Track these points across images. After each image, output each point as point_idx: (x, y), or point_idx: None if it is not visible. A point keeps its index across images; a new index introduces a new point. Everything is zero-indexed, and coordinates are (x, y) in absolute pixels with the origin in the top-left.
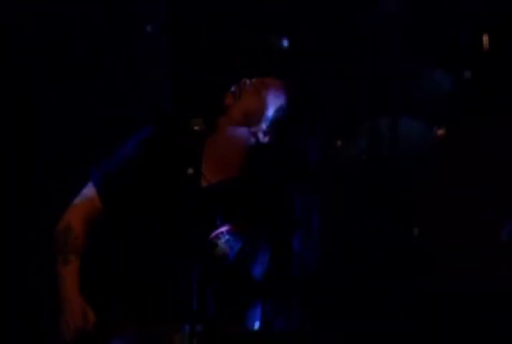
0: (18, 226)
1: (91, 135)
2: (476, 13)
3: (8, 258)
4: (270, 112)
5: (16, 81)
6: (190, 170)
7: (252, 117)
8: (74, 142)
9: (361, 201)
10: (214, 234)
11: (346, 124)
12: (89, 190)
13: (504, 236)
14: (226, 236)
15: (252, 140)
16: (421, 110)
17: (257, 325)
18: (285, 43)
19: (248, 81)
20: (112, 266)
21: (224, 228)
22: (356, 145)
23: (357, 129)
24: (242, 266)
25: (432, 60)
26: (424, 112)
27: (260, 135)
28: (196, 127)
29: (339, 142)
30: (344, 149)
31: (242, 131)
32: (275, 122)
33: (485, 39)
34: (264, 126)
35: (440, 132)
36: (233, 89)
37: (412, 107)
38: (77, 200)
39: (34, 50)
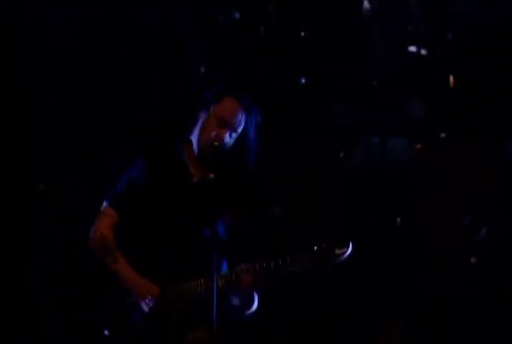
0: (18, 226)
1: (91, 135)
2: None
3: (8, 258)
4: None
5: (16, 81)
6: (211, 175)
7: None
8: (74, 142)
9: (355, 200)
10: None
11: (348, 141)
12: (106, 208)
13: (479, 236)
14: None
15: (216, 144)
16: (404, 131)
17: None
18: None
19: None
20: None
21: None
22: (354, 156)
23: (356, 144)
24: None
25: (413, 93)
26: (407, 132)
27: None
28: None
29: (342, 154)
30: (345, 159)
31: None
32: (236, 130)
33: (451, 78)
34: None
35: (418, 147)
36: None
37: (398, 128)
38: (100, 216)
39: (35, 50)
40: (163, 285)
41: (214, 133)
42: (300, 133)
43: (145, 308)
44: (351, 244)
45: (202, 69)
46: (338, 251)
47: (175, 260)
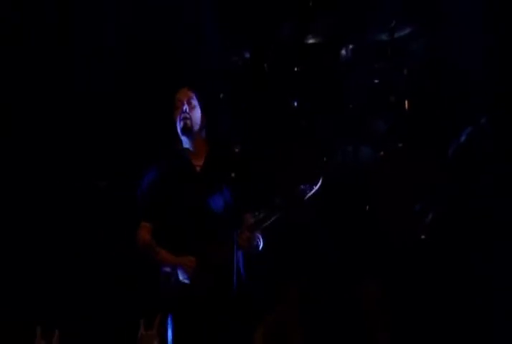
0: (81, 221)
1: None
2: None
3: (71, 253)
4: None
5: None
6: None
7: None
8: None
9: (335, 193)
10: None
11: (330, 149)
12: (141, 222)
13: (427, 220)
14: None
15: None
16: (371, 142)
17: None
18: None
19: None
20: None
21: None
22: (335, 161)
23: (335, 151)
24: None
25: (378, 114)
26: (372, 143)
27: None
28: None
29: (325, 159)
30: (328, 162)
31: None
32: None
33: (407, 102)
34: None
35: (382, 154)
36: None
37: (367, 139)
38: (139, 228)
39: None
40: (197, 257)
41: (178, 113)
42: (294, 143)
43: (187, 280)
44: (321, 178)
45: (221, 95)
46: (313, 186)
47: (201, 236)
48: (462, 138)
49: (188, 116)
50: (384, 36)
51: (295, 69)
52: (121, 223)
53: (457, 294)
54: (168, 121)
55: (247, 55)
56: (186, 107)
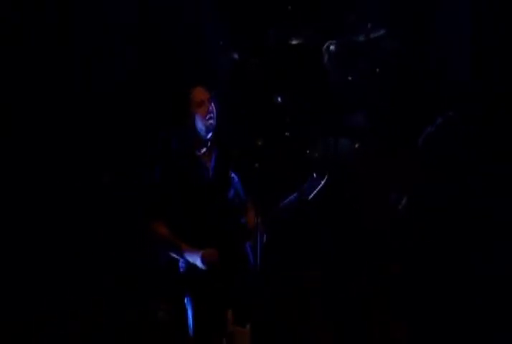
0: (85, 215)
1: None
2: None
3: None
4: (209, 106)
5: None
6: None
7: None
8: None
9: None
10: None
11: (312, 141)
12: (152, 223)
13: (400, 206)
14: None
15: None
16: (349, 134)
17: None
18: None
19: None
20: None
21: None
22: (316, 152)
23: (317, 143)
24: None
25: (355, 110)
26: (351, 135)
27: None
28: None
29: (308, 151)
30: (310, 153)
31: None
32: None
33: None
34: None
35: (357, 145)
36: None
37: (345, 132)
38: (151, 227)
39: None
40: (218, 248)
41: (205, 113)
42: (281, 136)
43: (210, 269)
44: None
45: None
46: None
47: (218, 226)
48: (432, 129)
49: (213, 116)
50: (361, 37)
51: (280, 67)
52: (125, 218)
53: (457, 294)
54: (166, 119)
55: (236, 56)
56: (211, 107)
